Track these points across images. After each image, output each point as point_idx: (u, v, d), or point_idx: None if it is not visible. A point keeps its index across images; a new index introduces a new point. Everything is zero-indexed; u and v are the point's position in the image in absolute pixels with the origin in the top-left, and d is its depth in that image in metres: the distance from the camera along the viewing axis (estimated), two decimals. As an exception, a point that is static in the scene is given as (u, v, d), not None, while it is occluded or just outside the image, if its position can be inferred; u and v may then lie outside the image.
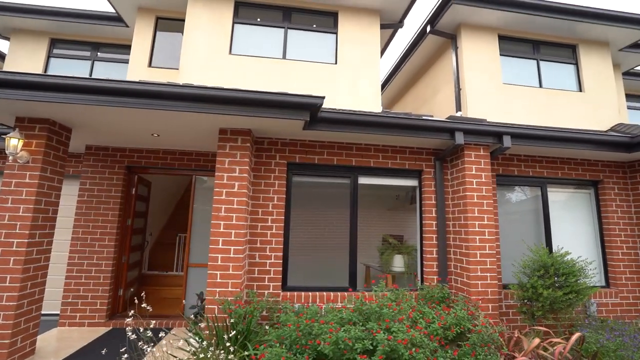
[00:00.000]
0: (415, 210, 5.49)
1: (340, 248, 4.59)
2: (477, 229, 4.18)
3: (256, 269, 4.13)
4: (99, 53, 7.22)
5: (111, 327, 4.71)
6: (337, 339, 2.55)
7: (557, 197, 5.12)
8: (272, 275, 4.15)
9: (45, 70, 6.99)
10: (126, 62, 7.24)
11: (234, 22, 5.78)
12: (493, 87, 6.05)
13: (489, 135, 4.35)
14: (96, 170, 5.04)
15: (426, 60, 7.57)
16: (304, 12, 6.04)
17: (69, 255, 4.79)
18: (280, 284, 4.16)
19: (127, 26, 6.76)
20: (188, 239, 5.22)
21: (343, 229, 4.61)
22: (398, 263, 5.02)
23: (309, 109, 3.51)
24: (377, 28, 6.11)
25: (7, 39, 7.05)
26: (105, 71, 7.17)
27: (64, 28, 6.96)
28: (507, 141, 4.27)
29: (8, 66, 6.85)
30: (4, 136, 3.61)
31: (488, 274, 4.08)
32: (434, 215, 4.62)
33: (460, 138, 4.20)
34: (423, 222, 4.70)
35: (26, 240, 3.54)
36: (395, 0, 5.90)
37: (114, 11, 6.64)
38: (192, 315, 4.21)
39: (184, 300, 5.08)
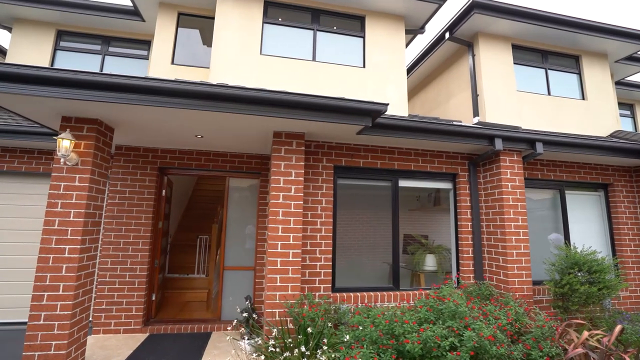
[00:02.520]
0: (439, 211, 5.75)
1: (382, 248, 4.73)
2: (512, 230, 4.45)
3: (307, 271, 4.18)
4: (110, 47, 6.90)
5: (148, 334, 4.59)
6: (426, 338, 2.67)
7: (573, 198, 5.51)
8: (322, 277, 4.21)
9: (52, 63, 6.61)
10: (139, 57, 7.00)
11: (263, 22, 5.74)
12: (508, 93, 6.39)
13: (523, 142, 4.63)
14: (127, 171, 4.87)
15: (440, 65, 7.83)
16: (331, 14, 6.10)
17: (101, 260, 4.61)
18: (330, 285, 4.24)
19: (144, 20, 6.53)
20: (223, 242, 5.15)
21: (384, 230, 4.75)
22: (430, 262, 5.22)
23: (371, 115, 3.60)
24: (403, 33, 6.28)
25: (9, 29, 6.59)
26: (117, 66, 6.87)
27: (72, 19, 6.61)
28: (539, 147, 4.56)
29: (11, 58, 6.42)
30: (54, 137, 3.43)
31: (523, 272, 4.36)
32: (469, 216, 4.85)
33: (499, 144, 4.44)
34: (458, 223, 4.92)
35: (78, 247, 3.40)
36: (420, 6, 6.09)
37: (128, 4, 6.39)
38: (241, 320, 4.18)
39: (220, 304, 5.02)
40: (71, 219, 3.41)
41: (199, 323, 4.86)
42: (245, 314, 4.15)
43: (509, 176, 4.60)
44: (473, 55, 6.59)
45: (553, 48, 6.89)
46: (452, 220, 5.04)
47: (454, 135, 4.39)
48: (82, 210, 3.45)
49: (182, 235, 7.39)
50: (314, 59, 5.81)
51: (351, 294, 4.29)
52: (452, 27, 6.48)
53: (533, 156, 4.67)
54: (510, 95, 6.36)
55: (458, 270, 4.83)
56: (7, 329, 4.67)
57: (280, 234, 3.73)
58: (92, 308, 4.55)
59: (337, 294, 4.25)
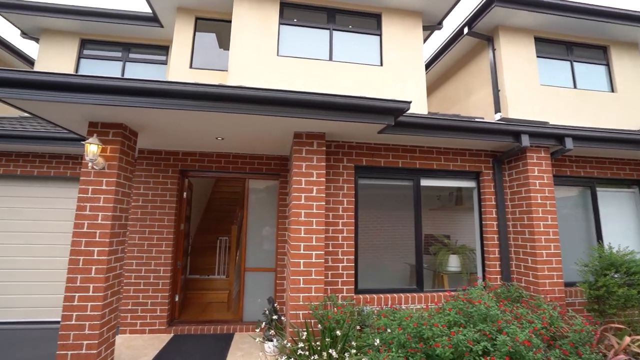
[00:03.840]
0: (462, 210, 5.61)
1: (404, 249, 4.65)
2: (542, 229, 4.28)
3: (329, 272, 4.14)
4: (130, 54, 7.06)
5: (172, 334, 4.65)
6: (457, 342, 2.59)
7: (605, 196, 5.26)
8: (345, 279, 4.17)
9: (76, 71, 6.81)
10: (158, 62, 7.13)
11: (279, 24, 5.76)
12: (531, 88, 6.18)
13: (551, 138, 4.45)
14: (150, 174, 4.95)
15: (457, 61, 7.67)
16: (347, 13, 6.05)
17: (127, 262, 4.70)
18: (352, 287, 4.18)
19: (162, 26, 6.65)
20: (244, 243, 5.17)
21: (406, 230, 4.66)
22: (453, 263, 5.09)
23: (394, 113, 3.53)
24: (420, 30, 6.17)
25: (37, 40, 6.84)
26: (137, 72, 7.03)
27: (95, 28, 6.80)
28: (569, 143, 4.38)
29: (39, 67, 6.65)
30: (82, 142, 3.52)
31: (554, 273, 4.19)
32: (494, 216, 4.70)
33: (526, 140, 4.28)
34: (483, 222, 4.78)
35: (107, 249, 3.46)
36: (437, 1, 5.97)
37: (147, 11, 6.53)
38: (264, 321, 4.18)
39: (241, 305, 5.04)
40: (99, 221, 3.49)
41: (221, 324, 4.89)
42: (267, 316, 4.14)
43: (536, 173, 4.43)
44: (493, 50, 6.41)
45: (579, 39, 6.63)
46: (476, 220, 4.90)
47: (477, 133, 4.27)
48: (110, 213, 3.52)
49: (202, 237, 7.48)
50: (330, 58, 5.78)
51: (374, 295, 4.22)
52: (471, 21, 6.32)
53: (562, 152, 4.48)
54: (533, 89, 6.16)
55: (484, 271, 4.69)
56: (41, 328, 4.81)
57: (302, 235, 3.70)
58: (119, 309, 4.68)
59: (360, 296, 4.19)
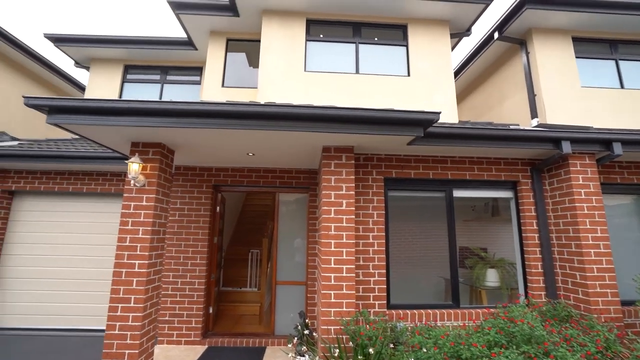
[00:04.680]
0: (498, 221, 5.34)
1: (438, 262, 4.49)
2: (590, 242, 3.97)
3: (360, 287, 4.08)
4: (167, 76, 7.54)
5: (207, 346, 4.76)
6: (499, 365, 2.43)
7: (664, 204, 4.80)
8: (376, 293, 4.08)
9: (120, 94, 7.36)
10: (193, 83, 7.54)
11: (306, 40, 5.91)
12: (571, 91, 5.85)
13: (596, 143, 4.16)
14: (185, 190, 5.19)
15: (488, 67, 7.43)
16: (373, 26, 6.10)
17: (164, 274, 4.91)
18: (385, 302, 4.08)
19: (196, 49, 7.04)
20: (275, 257, 5.23)
21: (439, 243, 4.51)
22: (492, 278, 4.83)
23: (422, 125, 3.48)
24: (448, 38, 6.08)
25: (87, 68, 7.50)
26: (174, 93, 7.47)
27: (137, 55, 7.33)
28: (617, 148, 4.06)
29: (89, 93, 7.27)
30: (125, 161, 3.77)
31: (608, 290, 3.84)
32: (535, 227, 4.43)
33: (567, 147, 4.03)
34: (523, 234, 4.51)
35: (146, 262, 3.64)
36: (465, 9, 5.87)
37: (182, 36, 6.95)
38: (295, 336, 4.17)
39: (273, 319, 5.07)
40: (140, 235, 3.69)
41: (254, 337, 4.94)
42: (299, 330, 4.13)
43: (580, 182, 4.14)
44: (527, 53, 6.16)
45: (623, 36, 6.21)
46: (515, 232, 4.64)
47: (512, 141, 4.08)
48: (149, 228, 3.71)
49: (234, 250, 7.66)
50: (357, 71, 5.82)
51: (407, 311, 4.09)
52: (502, 26, 6.13)
53: (609, 158, 4.17)
54: (573, 92, 5.82)
55: (526, 287, 4.40)
56: (81, 335, 5.10)
57: (333, 249, 3.69)
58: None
59: (393, 311, 4.07)
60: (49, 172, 5.53)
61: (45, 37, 6.96)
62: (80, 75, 31.77)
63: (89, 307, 5.30)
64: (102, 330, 3.66)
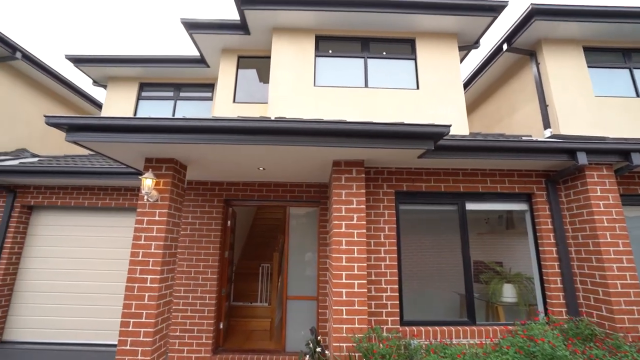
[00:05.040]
0: (514, 234, 5.21)
1: (452, 277, 4.38)
2: (612, 256, 3.82)
3: (373, 302, 4.00)
4: (180, 93, 7.75)
5: (217, 362, 4.70)
6: (520, 387, 2.33)
7: (688, 216, 4.61)
8: (389, 309, 3.99)
9: (135, 111, 7.58)
10: (204, 99, 7.72)
11: (315, 56, 6.02)
12: (584, 101, 5.76)
13: (613, 154, 4.06)
14: (197, 204, 5.24)
15: (498, 78, 7.41)
16: (381, 41, 6.18)
17: (175, 289, 4.92)
18: (398, 318, 3.98)
19: (208, 66, 7.25)
20: (285, 272, 5.20)
21: (452, 257, 4.41)
22: (508, 293, 4.67)
23: (433, 138, 3.46)
24: (456, 50, 6.10)
25: (104, 86, 7.77)
26: (187, 109, 7.65)
27: (152, 73, 7.58)
28: (636, 159, 3.95)
29: (106, 110, 7.51)
30: (139, 177, 3.85)
31: (634, 308, 3.67)
32: (552, 241, 4.30)
33: (583, 158, 3.94)
34: (540, 248, 4.38)
35: (158, 277, 3.66)
36: (473, 22, 5.91)
37: (195, 54, 7.16)
38: (307, 353, 4.09)
39: (284, 335, 5.00)
40: (152, 250, 3.72)
41: (265, 354, 4.87)
42: (311, 348, 4.05)
43: (598, 194, 4.03)
44: (537, 64, 6.13)
45: (637, 44, 6.13)
46: (531, 245, 4.51)
47: (525, 152, 4.01)
48: (161, 243, 3.74)
49: (244, 264, 7.65)
50: (366, 85, 5.88)
51: (421, 328, 3.98)
52: (510, 37, 6.14)
53: (628, 169, 4.05)
54: (587, 102, 5.74)
55: (545, 303, 4.24)
56: (99, 350, 5.11)
57: (344, 264, 3.65)
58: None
59: (406, 328, 3.96)
60: (66, 187, 5.67)
61: (66, 58, 7.27)
62: (97, 93, 32.93)
63: (103, 321, 5.31)
64: (115, 345, 3.66)
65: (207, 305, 4.89)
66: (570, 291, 4.09)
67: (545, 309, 4.20)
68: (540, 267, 4.37)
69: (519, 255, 5.03)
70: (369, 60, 6.07)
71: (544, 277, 4.28)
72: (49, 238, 5.72)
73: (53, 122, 3.36)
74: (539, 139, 4.36)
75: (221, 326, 5.13)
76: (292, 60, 5.94)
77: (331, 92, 5.76)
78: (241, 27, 6.12)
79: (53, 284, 5.50)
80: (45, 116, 3.34)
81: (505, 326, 4.01)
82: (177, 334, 4.80)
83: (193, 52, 7.28)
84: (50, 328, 5.35)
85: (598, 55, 6.15)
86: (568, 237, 4.29)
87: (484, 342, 3.87)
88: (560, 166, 4.31)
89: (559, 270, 4.20)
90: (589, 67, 5.99)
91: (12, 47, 6.77)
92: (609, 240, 3.87)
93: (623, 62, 6.13)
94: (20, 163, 5.57)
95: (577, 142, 4.02)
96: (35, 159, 6.17)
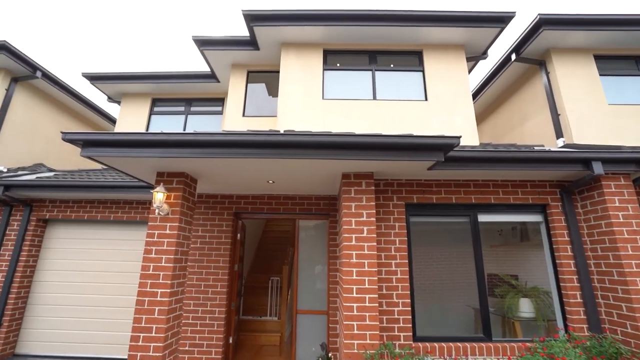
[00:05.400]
0: (529, 247, 5.08)
1: (465, 291, 4.27)
2: (634, 269, 3.67)
3: (384, 317, 3.91)
4: (191, 107, 7.91)
5: (226, 378, 4.63)
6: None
7: None
8: (401, 325, 3.89)
9: (148, 126, 7.75)
10: (215, 113, 7.86)
11: (323, 69, 6.10)
12: (597, 109, 5.67)
13: (631, 163, 3.95)
14: (207, 217, 5.27)
15: (508, 88, 7.37)
16: (388, 53, 6.24)
17: (185, 302, 4.91)
18: (410, 334, 3.88)
19: (218, 81, 7.40)
20: (295, 286, 5.15)
21: (465, 270, 4.31)
22: (525, 308, 4.51)
23: (443, 149, 3.43)
24: (464, 61, 6.11)
25: (118, 102, 8.00)
26: (197, 123, 7.80)
27: (164, 88, 7.78)
28: (655, 168, 3.84)
29: (120, 125, 7.70)
30: (151, 191, 3.90)
31: (661, 324, 3.49)
32: (570, 253, 4.16)
33: (598, 168, 3.84)
34: (557, 261, 4.25)
35: (168, 290, 3.66)
36: (480, 33, 5.93)
37: (206, 70, 7.33)
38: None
39: (294, 351, 4.91)
40: (163, 264, 3.73)
41: (274, 369, 4.78)
42: (321, 363, 3.96)
43: (617, 204, 3.91)
44: (547, 73, 6.08)
45: (649, 51, 6.03)
46: (547, 258, 4.37)
47: (538, 163, 3.94)
48: (172, 256, 3.76)
49: (253, 277, 7.61)
50: (374, 97, 5.91)
51: (435, 344, 3.85)
52: (519, 47, 6.13)
53: (648, 178, 3.93)
54: (600, 110, 5.64)
55: (565, 318, 4.08)
56: None
57: (354, 277, 3.59)
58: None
59: (420, 344, 3.85)
60: (80, 201, 5.79)
61: (82, 75, 7.54)
62: (111, 108, 33.99)
63: (116, 335, 5.31)
64: (124, 360, 3.66)
65: (216, 319, 4.85)
66: (592, 306, 3.93)
67: (565, 325, 4.03)
68: (557, 280, 4.22)
69: (535, 268, 4.88)
70: (377, 73, 6.11)
71: (563, 292, 4.13)
72: (62, 251, 5.81)
73: (69, 138, 3.45)
74: (552, 149, 4.28)
75: (230, 341, 5.08)
76: (301, 74, 6.02)
77: (339, 104, 5.80)
78: (251, 43, 6.27)
79: (65, 297, 5.55)
80: (62, 132, 3.44)
81: (524, 343, 3.86)
82: (187, 348, 4.76)
83: (203, 67, 7.46)
84: (62, 341, 5.37)
85: (610, 63, 6.07)
86: (586, 250, 4.15)
87: (501, 359, 3.72)
88: (575, 176, 4.21)
89: (578, 284, 4.05)
90: (600, 75, 5.91)
91: (33, 67, 7.05)
92: (631, 252, 3.73)
93: (637, 70, 6.03)
94: (37, 177, 5.72)
95: (591, 151, 3.93)
96: (51, 174, 6.33)
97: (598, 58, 6.03)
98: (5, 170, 6.52)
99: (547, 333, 4.19)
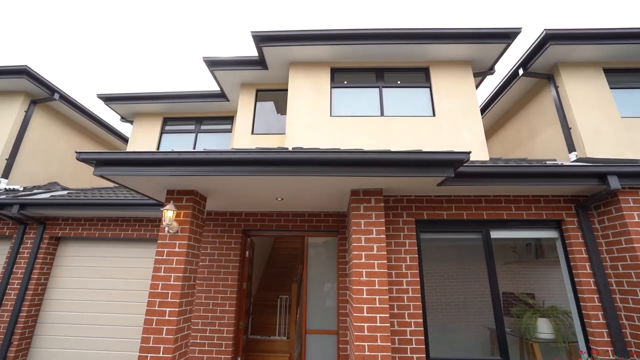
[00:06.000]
0: (544, 264, 4.94)
1: (479, 310, 4.13)
2: (659, 289, 3.51)
3: (396, 337, 3.79)
4: (201, 126, 8.06)
5: (234, 401, 4.50)
6: None
7: None
8: (414, 346, 3.76)
9: (159, 145, 7.91)
10: (224, 131, 7.98)
11: (331, 87, 6.18)
12: (610, 122, 5.59)
13: (649, 177, 3.84)
14: (216, 235, 5.27)
15: (516, 102, 7.34)
16: (395, 70, 6.31)
17: (193, 322, 4.85)
18: (424, 355, 3.74)
19: (228, 100, 7.56)
20: (304, 305, 5.05)
21: (479, 289, 4.18)
22: (544, 329, 4.33)
23: (453, 165, 3.40)
24: (471, 77, 6.14)
25: (131, 122, 8.21)
26: (207, 141, 7.92)
27: (174, 108, 7.97)
28: (674, 182, 3.72)
29: (132, 144, 7.88)
30: (160, 209, 3.93)
31: (690, 347, 3.30)
32: (589, 271, 4.01)
33: (615, 182, 3.75)
34: (575, 279, 4.09)
35: (176, 309, 3.62)
36: (486, 49, 5.97)
37: (215, 89, 7.51)
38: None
39: (303, 371, 4.77)
40: (171, 282, 3.71)
41: (283, 392, 4.63)
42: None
43: (636, 220, 3.78)
44: (556, 87, 6.06)
45: (661, 63, 5.97)
46: (565, 276, 4.22)
47: (550, 178, 3.86)
48: (180, 274, 3.74)
49: (262, 295, 7.50)
50: (382, 114, 5.94)
51: (450, 367, 3.70)
52: (526, 62, 6.15)
53: (667, 193, 3.81)
54: (613, 124, 5.56)
55: (587, 340, 3.89)
56: None
57: (365, 296, 3.51)
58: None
59: (434, 367, 3.70)
60: (92, 219, 5.86)
61: (97, 97, 7.80)
62: (124, 128, 34.92)
63: (123, 355, 5.24)
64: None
65: (224, 339, 4.77)
66: (615, 328, 3.74)
67: (589, 348, 3.84)
68: (577, 300, 4.05)
69: (552, 287, 4.73)
70: (384, 90, 6.17)
71: (583, 311, 3.96)
72: (74, 269, 5.84)
73: (83, 158, 3.53)
74: (565, 163, 4.21)
75: (238, 362, 4.96)
76: (309, 92, 6.12)
77: (347, 121, 5.85)
78: (259, 62, 6.42)
79: (75, 315, 5.55)
80: (76, 152, 3.53)
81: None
82: (194, 369, 4.66)
83: (213, 87, 7.66)
84: (69, 361, 5.33)
85: (620, 76, 6.03)
86: (606, 267, 4.00)
87: (521, 384, 3.55)
88: (591, 191, 4.11)
89: (600, 304, 3.88)
90: (611, 88, 5.86)
91: (51, 89, 7.33)
92: (653, 270, 3.57)
93: (648, 82, 5.96)
94: (51, 196, 5.85)
95: (607, 165, 3.85)
96: (65, 192, 6.46)
97: (608, 71, 5.99)
98: (21, 189, 6.69)
99: (569, 356, 3.99)
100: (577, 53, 5.81)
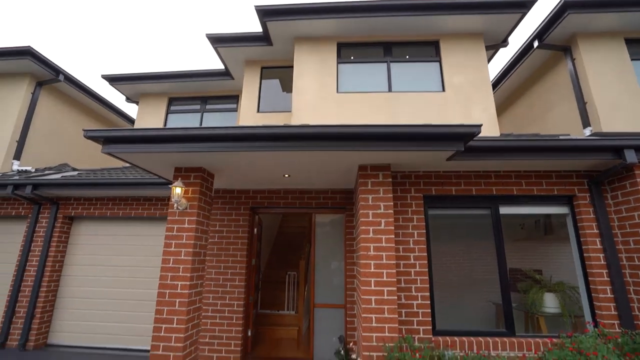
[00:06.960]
0: (553, 240, 4.90)
1: (486, 285, 4.15)
2: (670, 263, 3.47)
3: (403, 310, 3.85)
4: (207, 105, 8.00)
5: (246, 370, 4.69)
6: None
7: None
8: (420, 318, 3.83)
9: (165, 125, 7.90)
10: (229, 110, 7.92)
11: (337, 63, 6.02)
12: (628, 96, 5.37)
13: (666, 150, 3.72)
14: (224, 212, 5.33)
15: (529, 77, 7.09)
16: (403, 44, 6.10)
17: (204, 295, 4.99)
18: (430, 327, 3.81)
19: (233, 78, 7.45)
20: (312, 279, 5.15)
21: (487, 264, 4.18)
22: (550, 303, 4.35)
23: (463, 139, 3.33)
24: (483, 50, 5.90)
25: (137, 102, 8.19)
26: (213, 121, 7.88)
27: (180, 87, 7.89)
28: (693, 155, 3.60)
29: (138, 125, 7.90)
30: (169, 186, 3.97)
31: (699, 320, 3.29)
32: (599, 246, 3.97)
33: (631, 156, 3.64)
34: (585, 255, 4.06)
35: (188, 283, 3.72)
36: (500, 20, 5.70)
37: (220, 67, 7.39)
38: (336, 362, 4.00)
39: (311, 343, 4.92)
40: (182, 257, 3.80)
41: (292, 363, 4.81)
42: (342, 356, 3.95)
43: (651, 194, 3.69)
44: (572, 60, 5.80)
45: (686, 32, 5.65)
46: (575, 252, 4.19)
47: (564, 152, 3.76)
48: (190, 250, 3.82)
49: (271, 272, 7.66)
50: (389, 89, 5.80)
51: (456, 338, 3.77)
52: (542, 33, 5.87)
53: (685, 166, 3.69)
54: (631, 97, 5.34)
55: (594, 314, 3.90)
56: (137, 356, 5.22)
57: (372, 270, 3.55)
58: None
59: (440, 338, 3.77)
60: (102, 198, 5.97)
61: (102, 77, 7.75)
62: (129, 109, 34.90)
63: (138, 327, 5.46)
64: (149, 351, 3.74)
65: (235, 313, 4.92)
66: (623, 302, 3.74)
67: (595, 321, 3.86)
68: (586, 275, 4.04)
69: (559, 263, 4.71)
70: (392, 65, 5.99)
71: (591, 286, 3.96)
72: (87, 247, 6.02)
73: (90, 136, 3.55)
74: (580, 137, 4.10)
75: (249, 333, 5.13)
76: (315, 69, 5.98)
77: (355, 97, 5.73)
78: (264, 38, 6.26)
79: (91, 290, 5.76)
80: (84, 130, 3.54)
81: (550, 338, 3.72)
82: (207, 340, 4.85)
83: (217, 65, 7.54)
84: (89, 332, 5.58)
85: (643, 46, 5.73)
86: (617, 243, 3.95)
87: (525, 354, 3.61)
88: (605, 165, 4.01)
89: (609, 279, 3.87)
90: (632, 60, 5.58)
91: (56, 70, 7.31)
92: (666, 245, 3.52)
93: (672, 52, 5.67)
94: (63, 176, 5.94)
95: (624, 138, 3.72)
96: (75, 173, 6.56)
97: (630, 42, 5.69)
98: (33, 170, 6.81)
99: (574, 329, 4.02)
100: (597, 22, 5.52)
